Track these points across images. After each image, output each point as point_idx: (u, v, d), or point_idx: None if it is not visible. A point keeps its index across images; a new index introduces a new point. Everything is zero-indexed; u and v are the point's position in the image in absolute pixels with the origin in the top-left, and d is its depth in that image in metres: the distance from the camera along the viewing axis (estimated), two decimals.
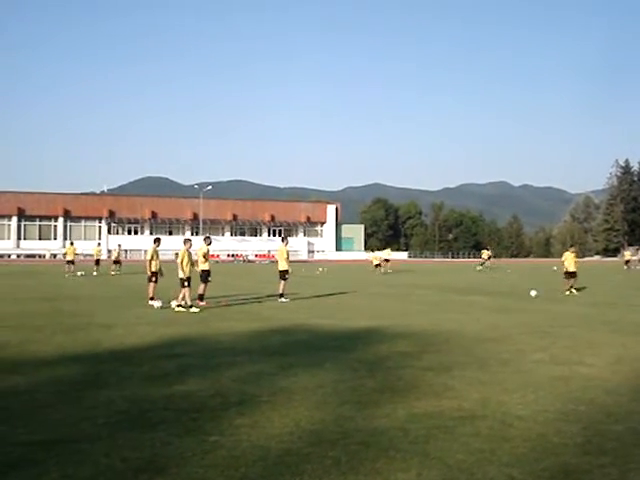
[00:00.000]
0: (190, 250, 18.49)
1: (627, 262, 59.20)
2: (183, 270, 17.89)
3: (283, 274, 21.00)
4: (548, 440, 5.94)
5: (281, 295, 20.71)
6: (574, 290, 25.43)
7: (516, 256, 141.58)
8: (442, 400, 7.45)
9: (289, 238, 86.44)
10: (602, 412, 6.92)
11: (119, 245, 44.84)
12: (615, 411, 6.96)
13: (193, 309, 17.34)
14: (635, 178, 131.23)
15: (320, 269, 49.74)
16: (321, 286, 28.22)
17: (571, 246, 30.30)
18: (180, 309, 17.37)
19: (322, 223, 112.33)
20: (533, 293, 22.27)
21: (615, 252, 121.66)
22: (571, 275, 25.91)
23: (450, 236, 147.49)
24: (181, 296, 17.66)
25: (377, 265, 47.80)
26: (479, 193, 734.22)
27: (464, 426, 6.38)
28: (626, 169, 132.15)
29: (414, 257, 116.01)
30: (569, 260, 26.27)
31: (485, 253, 56.35)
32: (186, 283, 17.71)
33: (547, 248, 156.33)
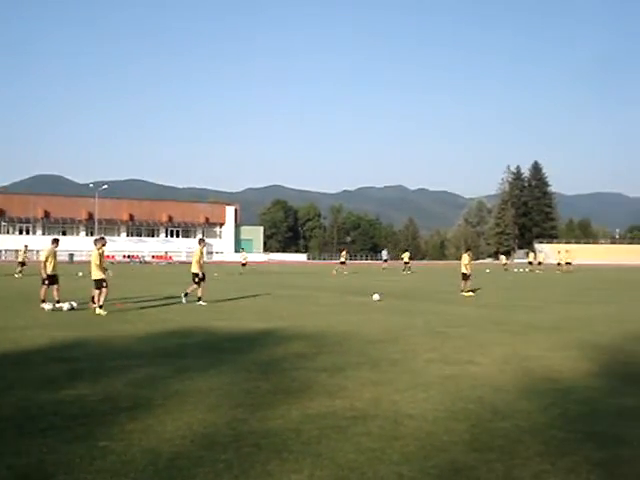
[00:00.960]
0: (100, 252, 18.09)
1: (530, 263, 62.09)
2: (99, 271, 17.62)
3: (193, 277, 20.70)
4: (437, 438, 6.07)
5: (199, 299, 20.30)
6: (471, 292, 26.25)
7: (412, 259, 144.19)
8: (335, 400, 7.51)
9: (189, 239, 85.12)
10: (489, 410, 7.12)
11: (25, 246, 43.31)
12: (502, 409, 7.17)
13: (99, 310, 16.94)
14: (525, 184, 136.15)
15: (215, 274, 49.38)
16: (219, 289, 27.97)
17: (468, 249, 31.38)
18: (100, 311, 16.93)
19: (221, 224, 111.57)
20: (376, 297, 21.66)
21: (506, 255, 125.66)
22: (466, 277, 26.69)
23: (348, 238, 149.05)
24: (99, 297, 17.31)
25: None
26: (377, 196, 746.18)
27: (356, 426, 6.45)
28: (517, 175, 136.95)
29: (313, 259, 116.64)
30: (463, 262, 27.10)
31: (406, 255, 56.47)
32: (104, 283, 17.50)
33: (442, 251, 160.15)
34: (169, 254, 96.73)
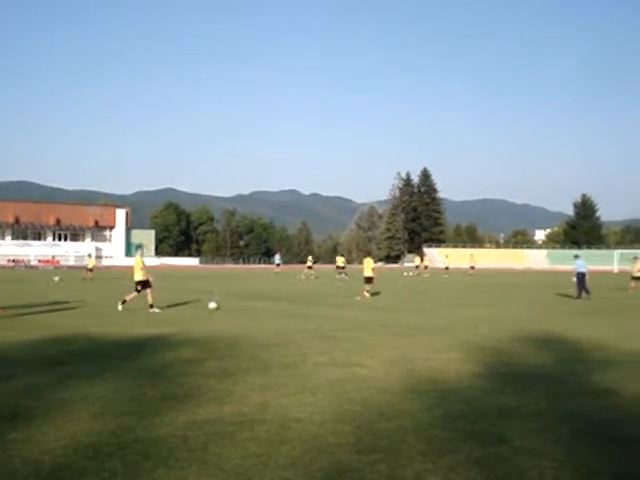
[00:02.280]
0: None
1: (417, 267, 63.16)
2: None
3: (142, 284, 20.14)
4: (323, 440, 6.13)
5: (151, 306, 19.75)
6: (368, 294, 26.82)
7: (305, 262, 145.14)
8: (223, 406, 7.47)
9: (77, 243, 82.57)
10: (375, 411, 7.24)
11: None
12: (387, 410, 7.31)
13: None
14: (415, 190, 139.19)
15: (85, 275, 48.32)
16: (108, 294, 27.35)
17: (369, 253, 32.42)
18: None
19: (111, 227, 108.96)
20: (212, 305, 20.56)
21: (396, 259, 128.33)
22: (368, 280, 27.33)
23: (242, 242, 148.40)
24: None
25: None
26: (271, 201, 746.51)
27: (243, 431, 6.44)
28: (407, 181, 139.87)
29: (205, 263, 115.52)
30: (367, 265, 27.79)
31: (341, 260, 55.29)
32: None
33: (334, 255, 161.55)
34: (56, 258, 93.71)
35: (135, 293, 20.24)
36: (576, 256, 31.03)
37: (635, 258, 36.24)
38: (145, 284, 20.23)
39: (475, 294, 31.84)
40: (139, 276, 20.28)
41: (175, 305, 22.06)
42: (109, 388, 8.46)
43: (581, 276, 28.76)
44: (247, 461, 5.54)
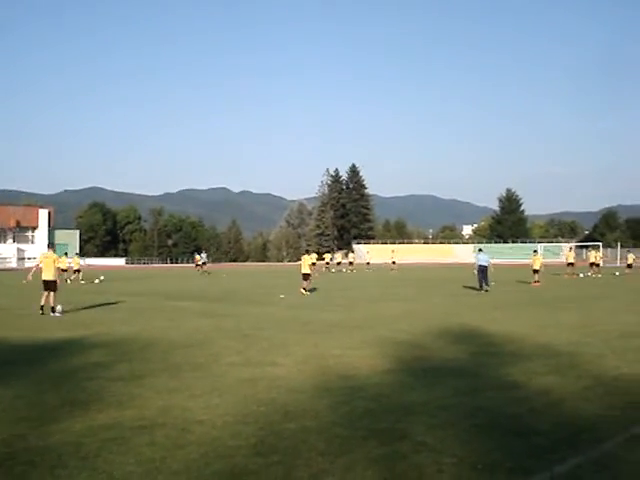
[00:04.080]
0: None
1: (327, 264, 63.16)
2: None
3: (49, 284, 19.03)
4: (223, 443, 5.99)
5: (42, 307, 18.74)
6: (306, 291, 27.29)
7: (235, 260, 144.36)
8: (125, 410, 7.26)
9: None
10: (280, 411, 7.13)
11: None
12: (293, 409, 7.20)
13: None
14: (344, 186, 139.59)
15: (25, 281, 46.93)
16: (25, 296, 26.58)
17: (307, 251, 32.52)
18: None
19: (34, 228, 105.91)
20: (59, 309, 18.91)
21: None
22: (305, 276, 27.91)
23: (170, 241, 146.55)
24: None
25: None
26: (200, 199, 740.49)
27: (141, 436, 6.25)
28: (336, 178, 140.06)
29: (132, 263, 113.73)
30: (305, 262, 28.05)
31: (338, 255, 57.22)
32: None
33: (264, 252, 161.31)
34: None
35: (52, 294, 18.97)
36: (480, 250, 32.07)
37: (535, 252, 37.45)
38: (52, 285, 19.02)
39: (397, 289, 32.05)
40: (44, 276, 19.11)
41: (92, 307, 21.51)
42: (8, 394, 8.14)
43: (483, 269, 29.73)
44: (140, 467, 5.36)
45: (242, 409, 7.25)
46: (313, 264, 54.67)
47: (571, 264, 43.26)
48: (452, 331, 14.26)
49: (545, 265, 38.02)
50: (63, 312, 18.68)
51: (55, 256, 19.89)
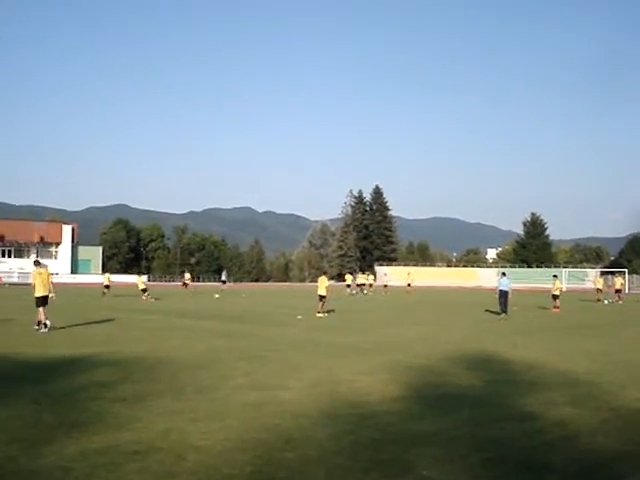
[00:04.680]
0: None
1: (349, 286, 61.49)
2: None
3: (40, 300, 19.00)
4: (217, 472, 5.73)
5: (38, 323, 18.70)
6: (323, 313, 26.74)
7: (257, 280, 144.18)
8: (123, 433, 7.01)
9: (22, 259, 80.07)
10: (282, 438, 6.84)
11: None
12: (295, 437, 6.91)
13: None
14: (367, 208, 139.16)
15: None
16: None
17: (324, 272, 32.44)
18: None
19: (57, 244, 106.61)
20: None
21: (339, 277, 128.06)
22: (321, 298, 27.31)
23: (192, 260, 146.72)
24: None
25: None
26: (225, 218, 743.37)
27: (134, 462, 5.99)
28: (359, 199, 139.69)
29: (154, 281, 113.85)
30: (321, 284, 27.60)
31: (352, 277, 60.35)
32: None
33: (286, 272, 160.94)
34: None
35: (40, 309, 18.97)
36: (503, 274, 31.50)
37: (554, 276, 36.83)
38: (44, 300, 19.13)
39: (416, 312, 31.62)
40: (40, 292, 19.12)
41: (108, 324, 21.37)
42: (5, 414, 7.93)
43: (504, 293, 29.29)
44: None
45: (243, 435, 6.97)
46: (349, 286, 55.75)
47: (600, 290, 44.10)
48: (469, 357, 13.90)
49: (569, 290, 37.44)
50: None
51: (48, 272, 20.11)
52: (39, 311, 18.89)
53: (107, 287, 44.14)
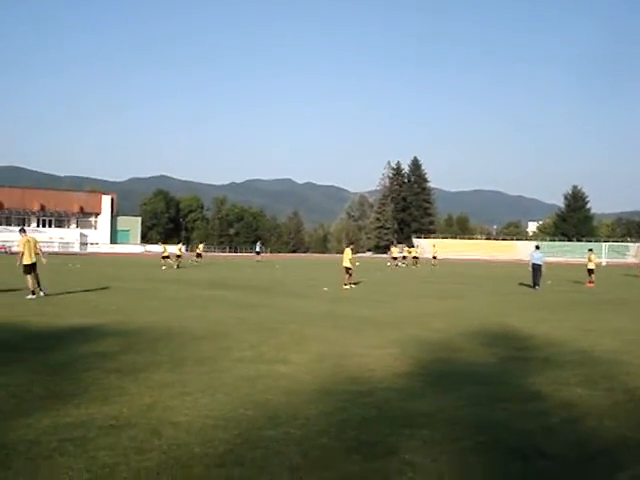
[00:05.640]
0: None
1: (395, 259, 60.99)
2: None
3: (28, 268, 19.37)
4: (189, 450, 5.42)
5: (32, 292, 19.03)
6: (352, 285, 26.32)
7: (295, 252, 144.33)
8: (105, 406, 6.76)
9: (62, 229, 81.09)
10: (268, 415, 6.52)
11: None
12: (282, 414, 6.58)
13: None
14: (405, 180, 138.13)
15: (73, 264, 47.25)
16: (66, 282, 26.58)
17: (350, 243, 31.81)
18: None
19: (97, 214, 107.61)
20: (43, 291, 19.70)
21: (385, 249, 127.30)
22: (347, 270, 26.71)
23: (231, 231, 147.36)
24: None
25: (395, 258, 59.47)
26: (265, 189, 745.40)
27: (106, 437, 5.73)
28: (397, 171, 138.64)
29: (191, 251, 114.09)
30: (345, 256, 27.13)
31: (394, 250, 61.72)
32: None
33: (325, 244, 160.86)
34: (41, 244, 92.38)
35: (27, 276, 19.41)
36: (537, 247, 30.97)
37: (590, 250, 35.68)
38: (31, 268, 19.46)
39: (445, 285, 30.91)
40: (27, 260, 19.46)
41: (123, 290, 21.32)
42: None
43: (537, 267, 29.15)
44: (87, 474, 4.84)
45: (229, 411, 6.67)
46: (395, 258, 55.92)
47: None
48: (489, 332, 13.44)
49: (610, 265, 36.47)
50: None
51: (35, 239, 20.31)
52: (27, 278, 19.24)
53: (165, 257, 44.62)
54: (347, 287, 25.82)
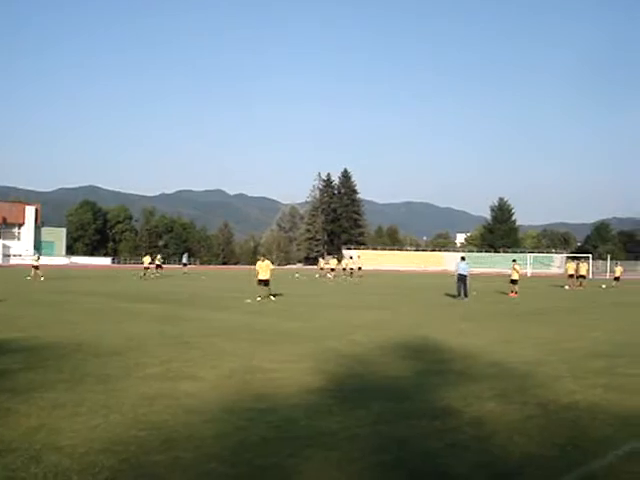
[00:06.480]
0: None
1: (322, 269, 60.67)
2: None
3: None
4: (66, 478, 5.03)
5: None
6: (267, 297, 25.66)
7: (225, 263, 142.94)
8: None
9: None
10: (161, 438, 6.14)
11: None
12: (177, 436, 6.22)
13: None
14: (335, 191, 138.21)
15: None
16: None
17: (263, 255, 31.63)
18: None
19: (20, 225, 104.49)
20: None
21: (315, 260, 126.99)
22: (263, 283, 26.25)
23: (161, 242, 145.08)
24: None
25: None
26: (196, 200, 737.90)
27: None
28: (327, 182, 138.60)
29: (119, 263, 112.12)
30: (262, 269, 26.61)
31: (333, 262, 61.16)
32: None
33: (255, 256, 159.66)
34: None
35: None
36: (462, 258, 31.52)
37: (513, 261, 36.23)
38: None
39: (370, 297, 30.75)
40: None
41: (41, 304, 20.54)
42: None
43: (462, 277, 29.57)
44: None
45: (121, 433, 6.26)
46: (332, 270, 55.62)
47: (571, 275, 45.59)
48: (408, 345, 13.25)
49: (535, 275, 36.99)
50: None
51: None
52: None
53: (147, 269, 48.37)
54: (262, 299, 25.12)
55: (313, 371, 9.87)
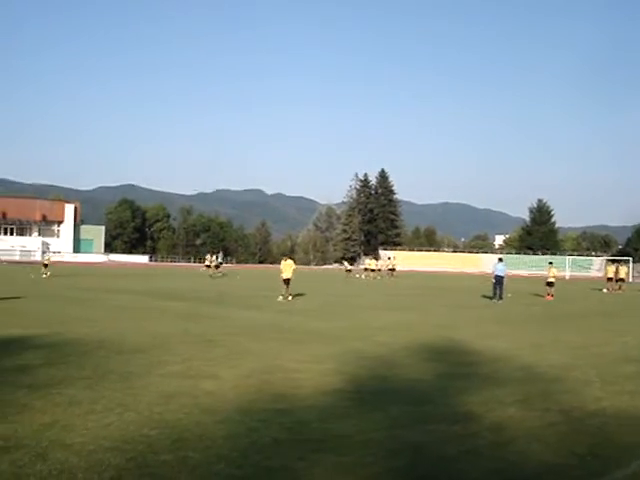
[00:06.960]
0: None
1: (348, 271, 60.27)
2: None
3: None
4: (70, 476, 5.04)
5: None
6: (288, 297, 25.46)
7: (262, 262, 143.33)
8: (0, 425, 6.26)
9: (24, 237, 79.32)
10: (172, 437, 6.08)
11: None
12: (189, 436, 6.16)
13: None
14: (372, 192, 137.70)
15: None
16: (18, 290, 25.90)
17: (284, 255, 31.54)
18: None
19: (59, 222, 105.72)
20: None
21: (352, 260, 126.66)
22: (285, 282, 26.06)
23: (198, 241, 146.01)
24: None
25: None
26: (234, 200, 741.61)
27: None
28: (365, 183, 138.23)
29: (156, 261, 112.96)
30: (286, 268, 26.52)
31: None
32: None
33: (292, 255, 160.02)
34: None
35: None
36: (500, 259, 31.08)
37: (550, 264, 35.85)
38: None
39: (401, 298, 30.59)
40: None
41: (70, 301, 20.73)
42: None
43: (499, 279, 29.16)
44: None
45: (132, 431, 6.22)
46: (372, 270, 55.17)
47: (610, 279, 44.23)
48: (434, 347, 13.07)
49: (573, 278, 36.44)
50: None
51: None
52: None
53: (208, 267, 49.96)
54: (283, 299, 24.98)
55: (334, 372, 9.76)
